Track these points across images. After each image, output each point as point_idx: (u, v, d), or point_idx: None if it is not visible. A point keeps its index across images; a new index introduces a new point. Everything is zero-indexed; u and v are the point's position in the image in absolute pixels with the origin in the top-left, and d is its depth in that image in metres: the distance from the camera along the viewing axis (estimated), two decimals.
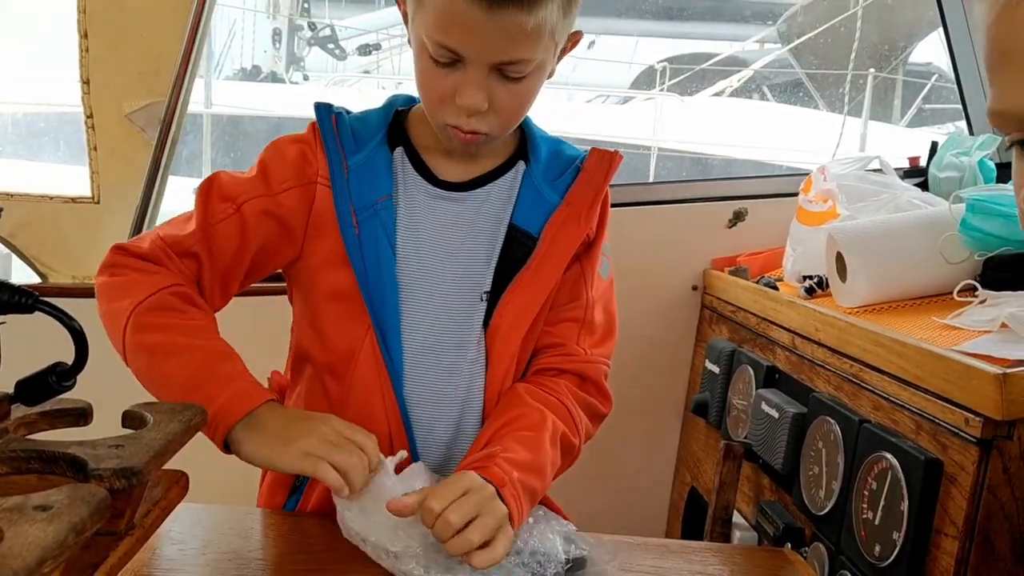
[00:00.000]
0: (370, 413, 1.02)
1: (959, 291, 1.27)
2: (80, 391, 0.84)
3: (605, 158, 1.06)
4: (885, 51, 8.44)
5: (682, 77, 8.84)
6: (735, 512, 1.42)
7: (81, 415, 0.85)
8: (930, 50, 9.29)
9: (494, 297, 1.02)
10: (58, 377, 0.79)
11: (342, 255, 0.99)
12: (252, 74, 9.48)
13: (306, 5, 10.76)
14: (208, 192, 1.00)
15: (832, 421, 1.17)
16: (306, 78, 10.14)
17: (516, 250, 1.02)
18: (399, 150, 1.03)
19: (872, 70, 7.32)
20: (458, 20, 0.88)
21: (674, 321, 1.88)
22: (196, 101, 5.65)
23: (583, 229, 1.03)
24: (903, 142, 6.88)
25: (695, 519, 1.77)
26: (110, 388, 0.90)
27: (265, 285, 1.73)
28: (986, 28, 0.54)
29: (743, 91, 9.22)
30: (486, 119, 0.94)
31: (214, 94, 6.35)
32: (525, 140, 1.06)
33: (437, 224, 1.02)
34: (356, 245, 0.99)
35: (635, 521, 1.91)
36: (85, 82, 1.60)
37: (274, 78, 9.46)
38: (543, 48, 0.92)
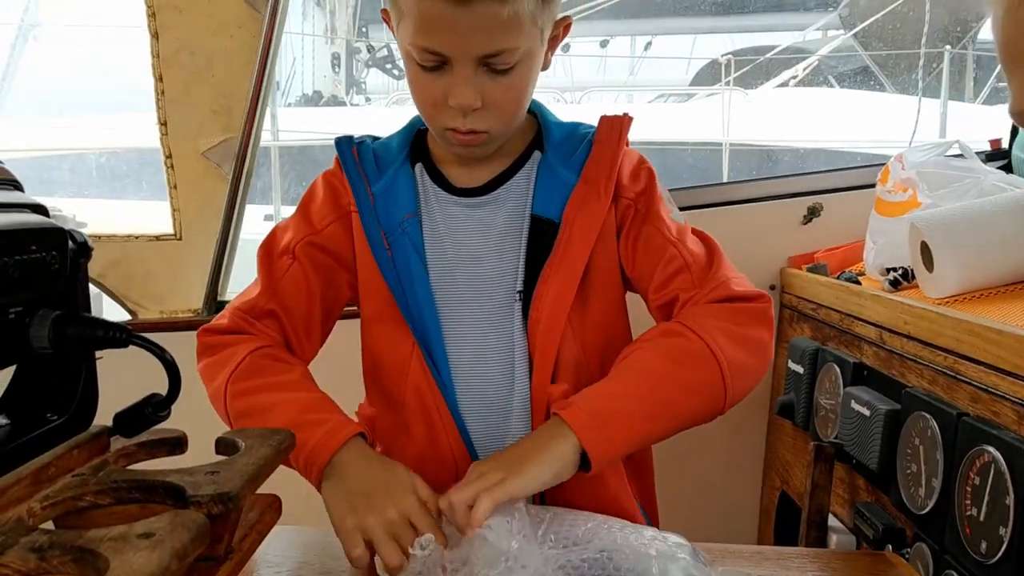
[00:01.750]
0: (430, 434, 1.02)
1: None
2: (173, 421, 0.87)
3: (615, 123, 1.04)
4: (957, 31, 8.15)
5: (744, 70, 8.67)
6: (830, 515, 1.38)
7: (177, 444, 0.88)
8: None
9: (529, 293, 1.00)
10: (154, 408, 0.82)
11: (379, 277, 1.01)
12: (314, 99, 9.72)
13: (364, 29, 10.99)
14: (268, 253, 1.06)
15: (928, 416, 1.13)
16: (368, 100, 10.33)
17: (541, 240, 1.00)
18: (419, 166, 1.05)
19: (948, 47, 7.02)
20: (435, 21, 0.89)
21: None
22: (265, 130, 5.85)
23: (604, 203, 1.00)
24: (983, 120, 6.62)
25: (788, 525, 1.72)
26: (202, 417, 0.93)
27: None
28: (995, 28, 0.53)
29: (808, 81, 9.00)
30: (483, 117, 0.94)
31: (280, 122, 6.51)
32: (540, 131, 1.05)
33: (461, 232, 1.03)
34: (390, 266, 1.01)
35: (725, 530, 1.87)
36: (163, 123, 1.67)
37: (335, 101, 9.68)
38: (525, 36, 0.91)
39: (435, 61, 0.92)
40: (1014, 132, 1.75)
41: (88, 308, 0.82)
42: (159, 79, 1.64)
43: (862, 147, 6.12)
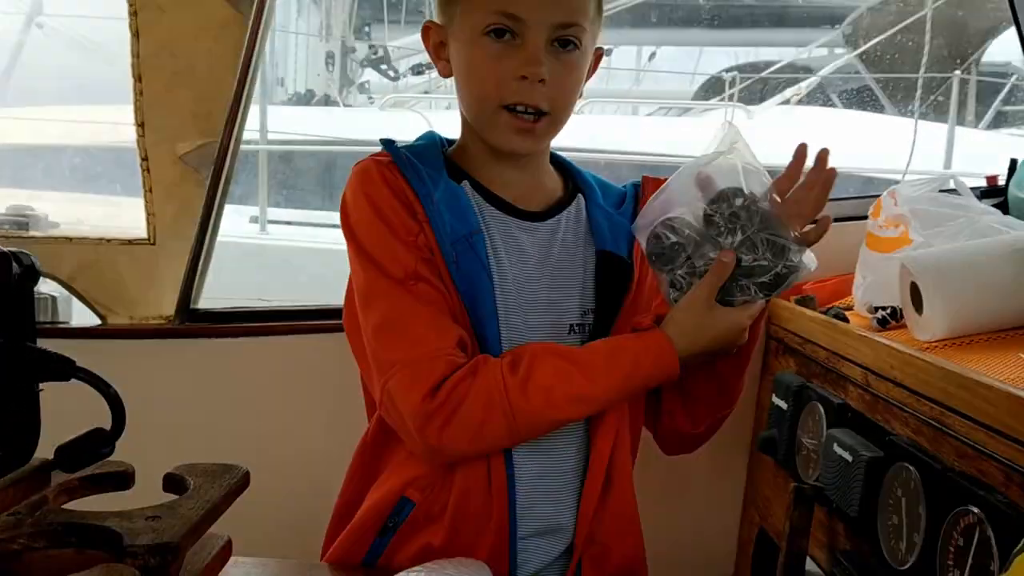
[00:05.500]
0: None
1: None
2: (123, 452, 0.83)
3: (660, 184, 1.09)
4: (958, 55, 8.13)
5: (745, 84, 8.63)
6: (808, 558, 1.34)
7: (123, 479, 0.84)
8: (1006, 49, 9.03)
9: (594, 326, 1.04)
10: (97, 443, 0.78)
11: (452, 283, 1.00)
12: (306, 98, 9.61)
13: (366, 28, 10.90)
14: (391, 283, 0.99)
15: (911, 468, 1.09)
16: (371, 100, 10.24)
17: (611, 274, 1.04)
18: (466, 184, 1.04)
19: (957, 73, 6.95)
20: None
21: None
22: (252, 129, 5.70)
23: None
24: (984, 147, 6.60)
25: (766, 561, 1.69)
26: (152, 448, 0.88)
27: (314, 323, 1.72)
28: None
29: (810, 98, 8.97)
30: (545, 95, 0.98)
31: (269, 121, 6.29)
32: (571, 176, 1.11)
33: (520, 253, 1.04)
34: (459, 276, 1.00)
35: (702, 562, 1.84)
36: (140, 125, 1.62)
37: (328, 101, 9.56)
38: (588, 26, 0.99)
39: (509, 27, 0.96)
40: (1011, 169, 1.72)
41: (34, 336, 0.78)
42: (138, 79, 1.59)
43: (865, 171, 6.09)
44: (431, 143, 1.07)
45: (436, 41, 1.04)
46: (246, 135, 1.74)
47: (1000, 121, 8.68)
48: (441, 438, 0.95)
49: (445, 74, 1.04)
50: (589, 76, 1.07)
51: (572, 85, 1.01)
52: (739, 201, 0.98)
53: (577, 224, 1.06)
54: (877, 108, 8.75)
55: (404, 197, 1.00)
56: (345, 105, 9.71)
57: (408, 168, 1.01)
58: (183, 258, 1.70)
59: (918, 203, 1.52)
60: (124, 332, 1.69)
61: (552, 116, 1.00)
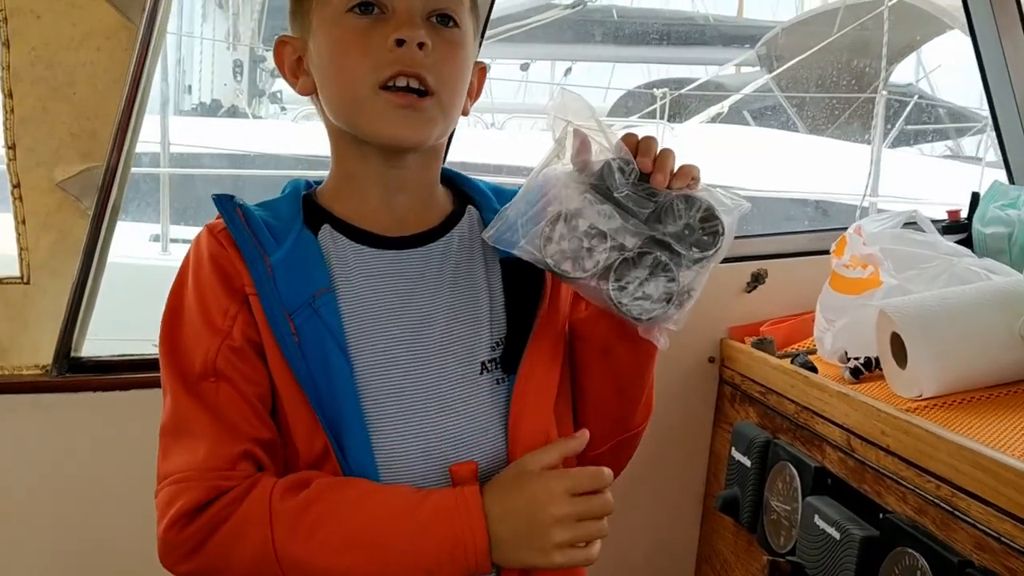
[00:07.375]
0: None
1: None
2: None
3: None
4: (866, 72, 8.33)
5: (662, 102, 8.62)
6: None
7: None
8: (909, 72, 9.42)
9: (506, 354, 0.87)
10: None
11: (286, 366, 0.83)
12: (212, 109, 9.09)
13: (276, 35, 10.40)
14: (183, 377, 0.83)
15: (918, 556, 0.96)
16: (283, 110, 9.82)
17: (522, 285, 0.88)
18: (325, 228, 0.88)
19: (884, 92, 6.97)
20: None
21: (689, 397, 1.67)
22: (152, 140, 5.24)
23: None
24: (896, 164, 6.72)
25: None
26: (25, 529, 0.68)
27: None
28: None
29: (726, 117, 9.03)
30: (428, 65, 0.83)
31: (171, 133, 5.76)
32: (460, 192, 0.96)
33: (402, 294, 0.86)
34: (298, 355, 0.82)
35: None
36: (10, 147, 1.39)
37: (235, 112, 9.06)
38: (466, 16, 0.87)
39: (374, 4, 0.83)
40: (973, 204, 1.64)
41: None
42: (8, 95, 1.36)
43: (817, 195, 6.10)
44: (292, 192, 0.92)
45: (292, 59, 0.91)
46: (144, 148, 1.51)
47: (900, 140, 8.95)
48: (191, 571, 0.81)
49: (305, 90, 0.90)
50: (475, 94, 0.94)
51: (458, 66, 0.86)
52: (630, 169, 0.80)
53: (472, 238, 0.90)
54: (789, 126, 8.87)
55: (231, 269, 0.85)
56: (254, 116, 9.26)
57: (240, 231, 0.85)
58: (62, 298, 1.47)
59: (886, 241, 1.41)
60: None
61: (438, 99, 0.84)
